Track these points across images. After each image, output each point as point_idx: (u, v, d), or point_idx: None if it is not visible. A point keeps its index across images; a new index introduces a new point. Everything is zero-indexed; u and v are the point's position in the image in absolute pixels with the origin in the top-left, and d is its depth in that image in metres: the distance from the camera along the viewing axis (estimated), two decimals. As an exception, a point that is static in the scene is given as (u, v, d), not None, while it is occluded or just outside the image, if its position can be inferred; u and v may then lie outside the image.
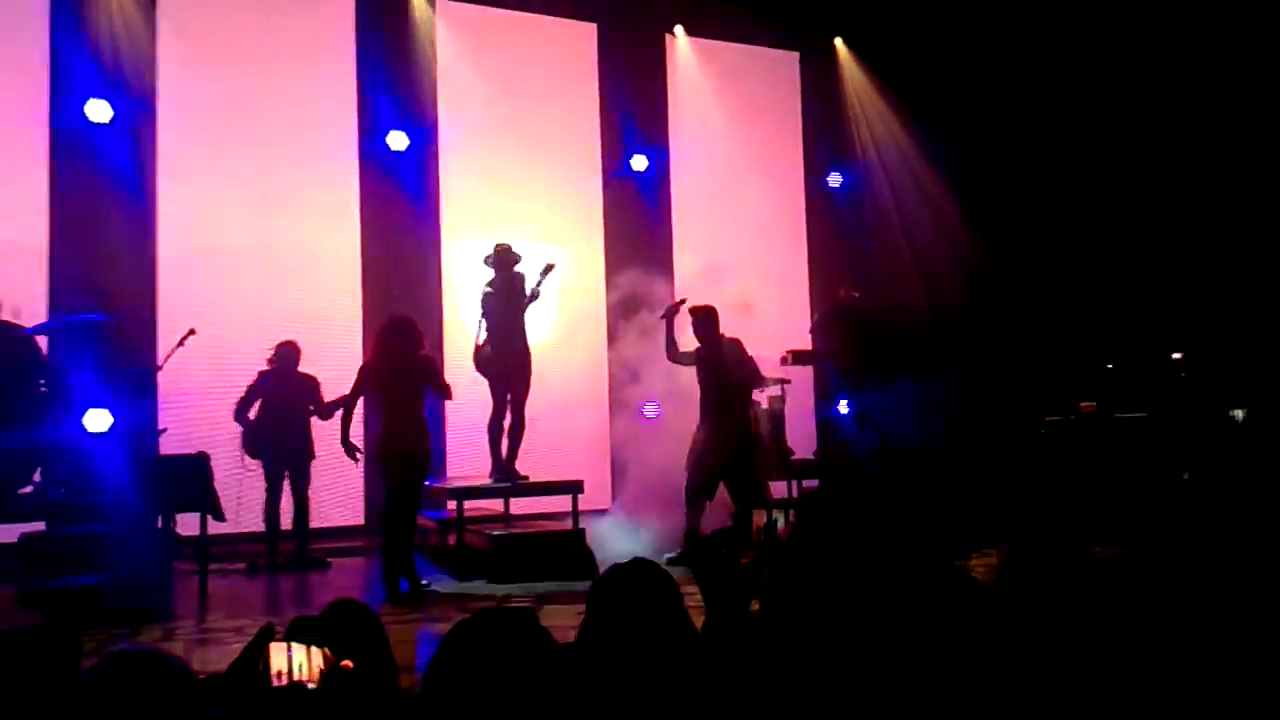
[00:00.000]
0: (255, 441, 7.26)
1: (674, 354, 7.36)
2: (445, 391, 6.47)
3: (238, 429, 7.30)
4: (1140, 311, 8.70)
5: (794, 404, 9.12)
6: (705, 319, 7.27)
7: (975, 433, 7.90)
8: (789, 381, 8.99)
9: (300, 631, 2.13)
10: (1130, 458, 7.28)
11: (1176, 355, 8.39)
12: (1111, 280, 8.89)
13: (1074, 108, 9.09)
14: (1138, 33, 8.73)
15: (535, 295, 7.29)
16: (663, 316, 7.49)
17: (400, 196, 9.08)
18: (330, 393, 7.15)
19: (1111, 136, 8.91)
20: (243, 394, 7.30)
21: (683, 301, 7.47)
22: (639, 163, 9.99)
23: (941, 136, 9.70)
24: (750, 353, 7.39)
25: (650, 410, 8.30)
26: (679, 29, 10.45)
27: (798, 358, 9.03)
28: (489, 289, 7.37)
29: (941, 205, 9.94)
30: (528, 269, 7.41)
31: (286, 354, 7.35)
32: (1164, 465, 6.94)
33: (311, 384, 7.33)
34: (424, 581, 6.21)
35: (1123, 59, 8.82)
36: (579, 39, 10.06)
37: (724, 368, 7.17)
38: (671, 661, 2.14)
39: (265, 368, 7.34)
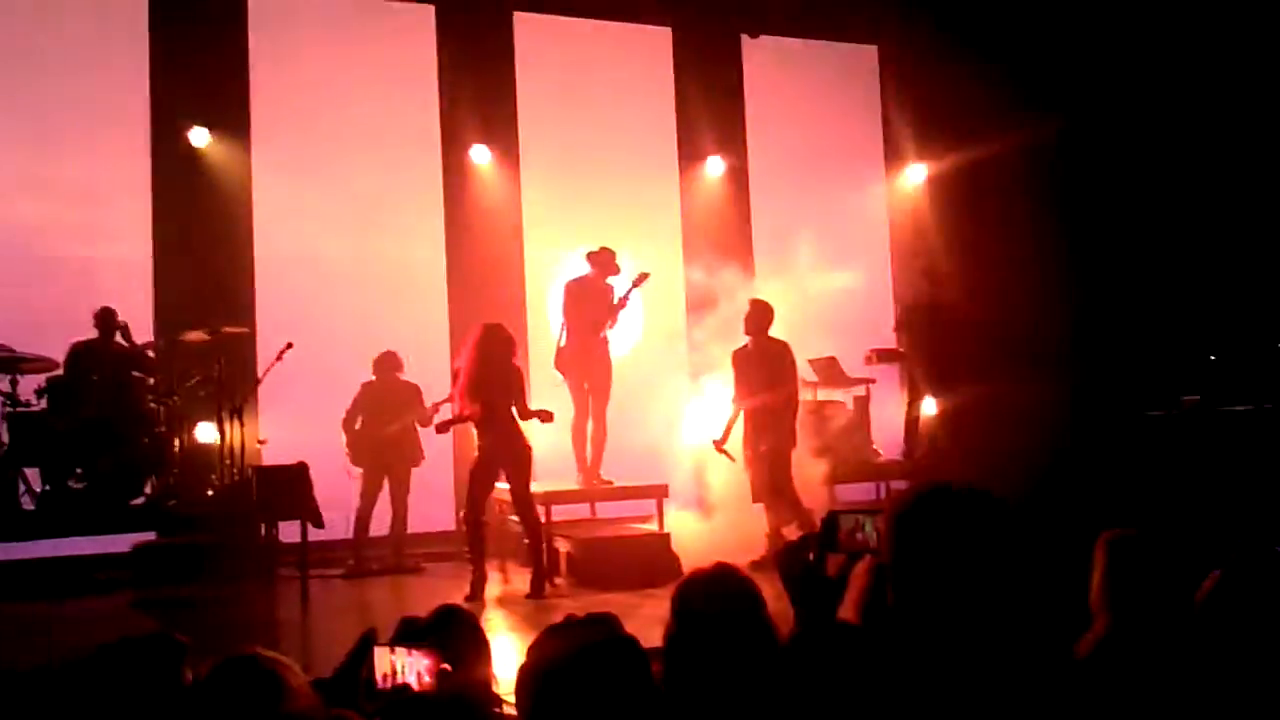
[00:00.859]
0: (358, 450, 7.48)
1: (737, 403, 7.13)
2: (524, 412, 6.34)
3: (337, 438, 7.53)
4: (1245, 299, 8.34)
5: (879, 404, 9.01)
6: (758, 311, 7.12)
7: (1073, 431, 7.67)
8: (874, 381, 8.88)
9: (408, 634, 2.21)
10: (1236, 453, 7.00)
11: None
12: (1214, 266, 8.54)
13: (1174, 94, 8.77)
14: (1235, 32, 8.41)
15: (624, 303, 7.35)
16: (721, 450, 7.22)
17: (483, 206, 9.25)
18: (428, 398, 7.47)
19: (1212, 123, 8.58)
20: (350, 406, 7.54)
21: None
22: (716, 164, 9.99)
23: (1033, 126, 9.44)
24: (801, 359, 7.26)
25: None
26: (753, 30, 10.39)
27: (882, 357, 8.92)
28: (574, 285, 7.43)
29: (1033, 197, 9.67)
30: (619, 282, 7.49)
31: (384, 364, 7.56)
32: (1273, 461, 6.66)
33: (413, 391, 7.53)
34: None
35: (1221, 54, 8.49)
36: (654, 44, 10.12)
37: (763, 369, 6.98)
38: (755, 667, 2.16)
39: (367, 378, 7.56)
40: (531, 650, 1.74)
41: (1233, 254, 8.44)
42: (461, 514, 6.39)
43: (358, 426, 7.50)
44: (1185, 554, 2.46)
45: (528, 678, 1.71)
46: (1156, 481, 6.76)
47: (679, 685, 2.23)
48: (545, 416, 6.37)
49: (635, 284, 7.34)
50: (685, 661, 2.28)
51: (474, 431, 6.42)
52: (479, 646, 2.11)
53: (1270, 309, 8.25)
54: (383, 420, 7.41)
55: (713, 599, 2.30)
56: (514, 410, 6.27)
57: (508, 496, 6.61)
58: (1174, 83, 8.63)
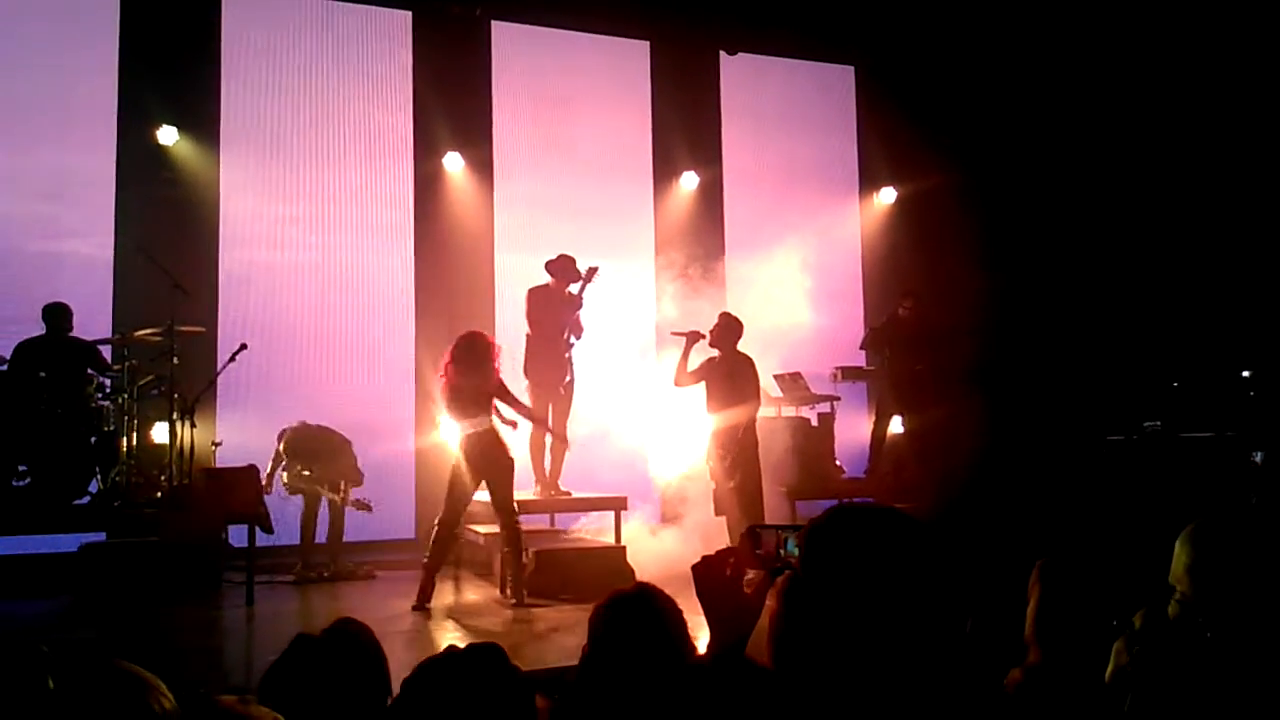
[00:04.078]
0: (292, 485, 7.39)
1: (681, 379, 7.13)
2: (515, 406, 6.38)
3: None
4: (1209, 328, 8.38)
5: (844, 421, 8.98)
6: (730, 326, 7.07)
7: (1030, 452, 7.67)
8: (839, 399, 8.86)
9: (301, 650, 2.15)
10: (1196, 479, 7.02)
11: (1246, 373, 8.07)
12: (1178, 295, 8.59)
13: (1144, 120, 8.82)
14: (1204, 60, 8.49)
15: (580, 302, 7.28)
16: (679, 334, 7.20)
17: (455, 214, 9.20)
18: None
19: (1188, 151, 8.63)
20: (272, 458, 7.40)
21: (702, 336, 7.13)
22: (690, 179, 9.97)
23: (996, 153, 9.49)
24: (762, 377, 7.26)
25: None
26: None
27: (847, 374, 8.91)
28: (537, 292, 7.36)
29: (1003, 219, 9.70)
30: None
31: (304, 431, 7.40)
32: (1231, 487, 6.67)
33: (343, 444, 7.43)
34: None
35: (1192, 81, 8.56)
36: (632, 56, 10.10)
37: (734, 382, 6.97)
38: (668, 692, 2.10)
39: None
40: (408, 684, 1.68)
41: (1202, 280, 8.48)
42: (437, 520, 6.22)
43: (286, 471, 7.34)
44: (1125, 581, 2.42)
45: (403, 709, 1.65)
46: (1113, 506, 6.76)
47: (587, 709, 2.18)
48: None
49: (586, 280, 7.26)
50: (595, 684, 2.23)
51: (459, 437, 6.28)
52: (374, 661, 2.05)
53: (1237, 338, 8.30)
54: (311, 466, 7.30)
55: (628, 622, 2.25)
56: (490, 416, 6.16)
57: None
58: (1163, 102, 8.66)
